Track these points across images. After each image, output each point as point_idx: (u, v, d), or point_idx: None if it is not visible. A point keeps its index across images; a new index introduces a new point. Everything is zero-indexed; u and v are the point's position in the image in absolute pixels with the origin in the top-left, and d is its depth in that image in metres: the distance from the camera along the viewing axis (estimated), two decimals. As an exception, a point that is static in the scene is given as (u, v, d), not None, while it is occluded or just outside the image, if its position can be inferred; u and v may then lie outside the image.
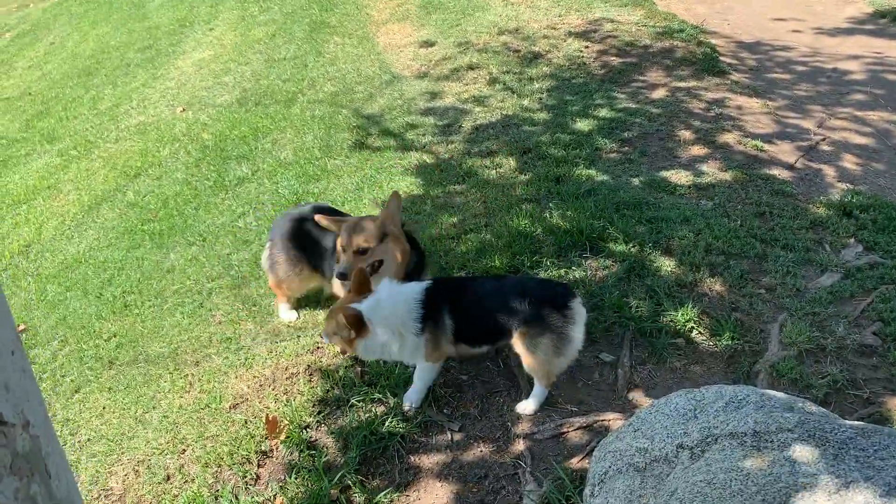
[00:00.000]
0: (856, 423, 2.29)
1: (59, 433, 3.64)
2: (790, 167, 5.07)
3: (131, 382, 3.90)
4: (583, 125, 5.69)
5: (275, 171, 5.83)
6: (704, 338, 3.51)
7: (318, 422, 3.28)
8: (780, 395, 2.54)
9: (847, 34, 7.97)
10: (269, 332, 4.00)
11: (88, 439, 3.54)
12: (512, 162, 5.29)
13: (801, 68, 7.02)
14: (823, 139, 5.54)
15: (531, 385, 3.23)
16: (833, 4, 8.96)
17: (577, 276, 3.95)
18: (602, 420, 3.11)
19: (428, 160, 5.52)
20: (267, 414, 3.33)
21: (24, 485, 0.78)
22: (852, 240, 4.18)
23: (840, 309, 3.63)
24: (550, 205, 4.62)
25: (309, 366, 3.63)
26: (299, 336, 3.87)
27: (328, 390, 3.44)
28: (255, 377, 3.65)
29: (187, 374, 3.84)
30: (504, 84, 6.66)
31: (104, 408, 3.75)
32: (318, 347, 3.77)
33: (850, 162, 5.20)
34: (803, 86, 6.61)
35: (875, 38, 7.80)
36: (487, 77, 6.87)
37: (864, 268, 3.90)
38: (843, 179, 4.95)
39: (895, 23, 8.14)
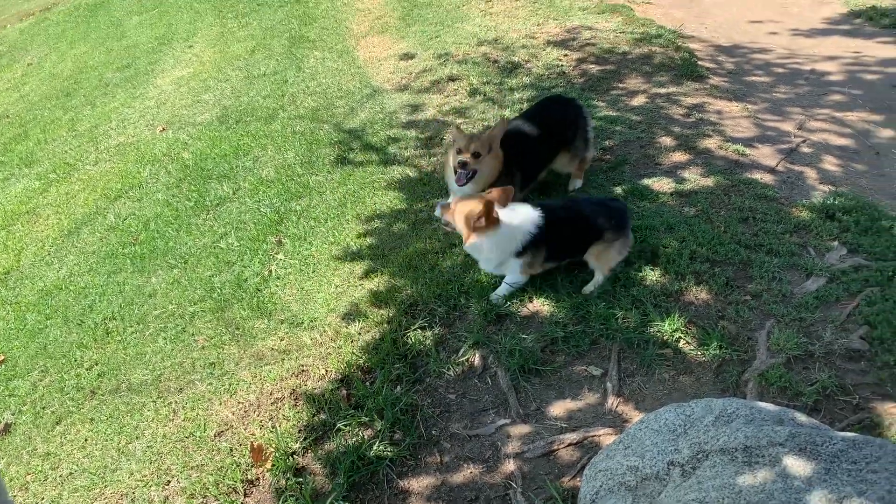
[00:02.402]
0: (847, 434, 2.27)
1: (39, 468, 3.57)
2: (772, 170, 5.07)
3: (114, 412, 3.84)
4: (564, 134, 5.67)
5: (256, 189, 5.78)
6: (692, 347, 3.48)
7: (304, 448, 3.23)
8: (770, 406, 2.51)
9: (823, 35, 8.00)
10: (252, 355, 3.94)
11: (70, 473, 3.47)
12: (494, 173, 5.26)
13: (779, 70, 7.04)
14: (804, 141, 5.55)
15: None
16: (808, 6, 9.01)
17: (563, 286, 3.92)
18: (592, 436, 3.08)
19: (411, 174, 5.48)
20: (252, 441, 3.28)
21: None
22: (836, 242, 4.17)
23: (827, 313, 3.62)
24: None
25: (294, 390, 3.58)
26: (283, 359, 3.82)
27: (314, 415, 3.39)
28: (239, 403, 3.60)
29: (171, 402, 3.78)
30: (485, 95, 6.64)
31: (86, 439, 3.68)
32: (302, 370, 3.72)
33: (830, 163, 5.21)
34: (782, 88, 6.63)
35: (851, 38, 7.83)
36: (468, 88, 6.84)
37: (849, 270, 3.90)
38: (825, 181, 4.95)
39: (870, 22, 8.19)
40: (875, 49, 7.42)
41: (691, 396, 3.22)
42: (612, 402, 3.27)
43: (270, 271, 4.68)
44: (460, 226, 3.64)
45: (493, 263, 3.81)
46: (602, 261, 3.83)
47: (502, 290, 3.91)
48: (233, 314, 4.36)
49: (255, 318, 4.26)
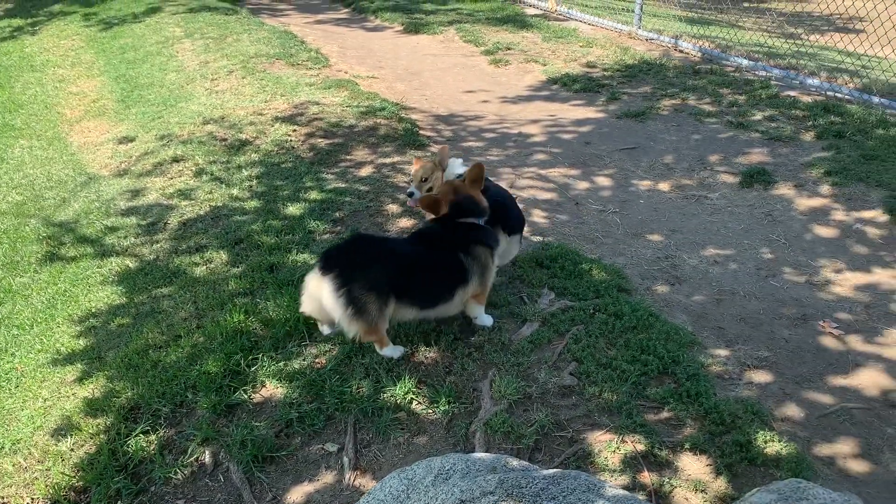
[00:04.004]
0: (548, 471, 2.44)
1: None
2: (489, 227, 5.45)
3: None
4: (294, 209, 5.67)
5: (-56, 300, 5.04)
6: (424, 407, 3.57)
7: None
8: (486, 456, 2.63)
9: (527, 101, 8.93)
10: (-63, 497, 3.36)
11: None
12: (223, 255, 5.09)
13: (491, 135, 7.70)
14: (515, 198, 6.06)
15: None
16: (514, 75, 10.02)
17: (296, 366, 3.85)
18: (330, 516, 3.01)
19: (131, 264, 5.12)
20: None
21: None
22: (545, 289, 4.57)
23: (541, 355, 3.92)
24: (267, 293, 4.48)
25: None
26: (-23, 495, 3.30)
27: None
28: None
29: None
30: (211, 174, 6.46)
31: None
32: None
33: (539, 216, 5.74)
34: (494, 150, 7.24)
35: (550, 102, 8.83)
36: (194, 169, 6.62)
37: (558, 313, 4.27)
38: (535, 233, 5.44)
39: (564, 88, 9.30)
40: (569, 111, 8.43)
41: (426, 456, 3.28)
42: (349, 476, 3.22)
43: (-38, 393, 4.07)
44: None
45: None
46: None
47: None
48: (-88, 451, 3.70)
49: (-57, 451, 3.65)
